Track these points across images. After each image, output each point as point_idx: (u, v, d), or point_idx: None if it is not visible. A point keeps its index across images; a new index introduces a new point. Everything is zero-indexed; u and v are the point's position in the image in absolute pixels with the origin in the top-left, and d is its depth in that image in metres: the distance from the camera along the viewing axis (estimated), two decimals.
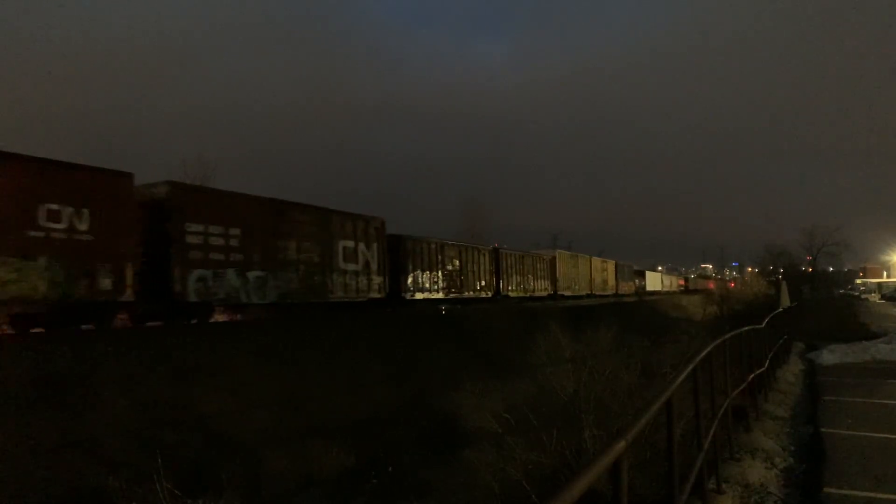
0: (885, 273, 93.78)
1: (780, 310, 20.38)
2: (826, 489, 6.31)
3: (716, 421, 6.11)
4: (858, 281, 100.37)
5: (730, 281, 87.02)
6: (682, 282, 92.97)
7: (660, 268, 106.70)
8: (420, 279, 23.51)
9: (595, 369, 9.59)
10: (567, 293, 39.36)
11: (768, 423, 9.69)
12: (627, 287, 56.66)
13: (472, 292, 27.61)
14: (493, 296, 29.22)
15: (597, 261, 48.20)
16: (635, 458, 6.89)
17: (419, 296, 23.49)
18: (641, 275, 65.55)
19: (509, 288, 30.89)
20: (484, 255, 29.16)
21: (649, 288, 66.56)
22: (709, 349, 5.86)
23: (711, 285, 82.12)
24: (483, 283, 28.52)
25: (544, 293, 35.79)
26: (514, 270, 31.80)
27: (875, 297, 76.29)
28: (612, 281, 51.20)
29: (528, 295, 33.11)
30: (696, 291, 78.76)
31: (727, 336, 7.41)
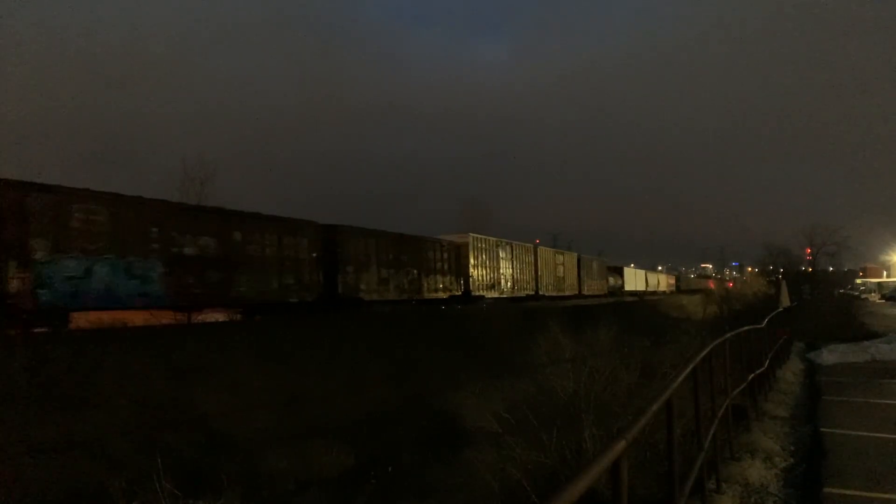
0: (885, 273, 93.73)
1: (780, 309, 20.37)
2: (826, 489, 6.31)
3: (716, 421, 6.11)
4: (858, 281, 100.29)
5: (728, 281, 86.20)
6: (671, 280, 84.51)
7: (660, 267, 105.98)
8: (91, 272, 12.60)
9: (595, 369, 9.59)
10: (490, 295, 29.86)
11: (768, 423, 9.68)
12: (597, 287, 47.28)
13: (253, 293, 16.47)
14: (319, 298, 18.89)
15: (546, 252, 38.10)
16: (635, 458, 6.89)
17: (82, 301, 12.55)
18: (618, 272, 56.79)
19: (362, 287, 20.82)
20: (297, 235, 18.27)
21: (630, 287, 57.75)
22: (709, 349, 5.86)
23: (711, 285, 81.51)
24: (290, 280, 17.76)
25: (444, 294, 26.00)
26: (373, 262, 21.52)
27: (875, 297, 76.22)
28: (572, 279, 41.70)
29: (402, 298, 23.07)
30: (692, 292, 72.10)
31: (727, 336, 7.41)
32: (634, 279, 62.09)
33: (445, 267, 26.48)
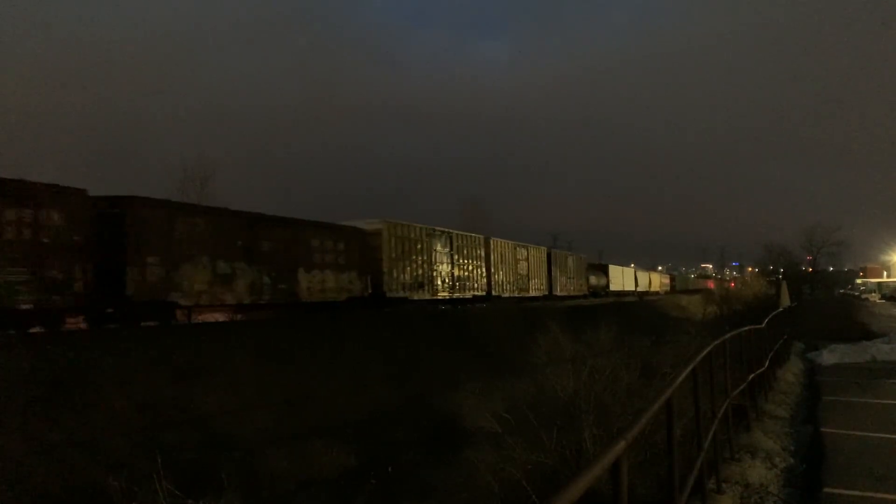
0: (885, 273, 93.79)
1: (780, 310, 20.37)
2: (826, 489, 6.31)
3: (716, 421, 6.11)
4: (858, 281, 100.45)
5: (730, 281, 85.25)
6: (664, 280, 78.62)
7: (660, 267, 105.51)
8: None
9: (595, 369, 9.59)
10: (417, 296, 24.21)
11: (768, 423, 9.68)
12: (574, 286, 42.27)
13: None
14: (87, 302, 13.17)
15: (502, 245, 31.96)
16: (635, 458, 6.89)
17: None
18: (602, 270, 52.00)
19: (178, 287, 14.67)
20: (39, 206, 12.32)
21: (616, 288, 52.95)
22: (709, 349, 5.86)
23: (711, 285, 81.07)
24: (18, 275, 11.82)
25: (339, 296, 19.94)
26: (202, 251, 15.36)
27: (875, 297, 76.30)
28: (539, 277, 36.39)
29: (260, 301, 17.02)
30: (690, 292, 68.05)
31: (727, 336, 7.41)
32: (622, 278, 56.45)
33: (342, 261, 20.16)
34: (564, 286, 40.53)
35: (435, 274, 25.78)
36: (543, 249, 38.15)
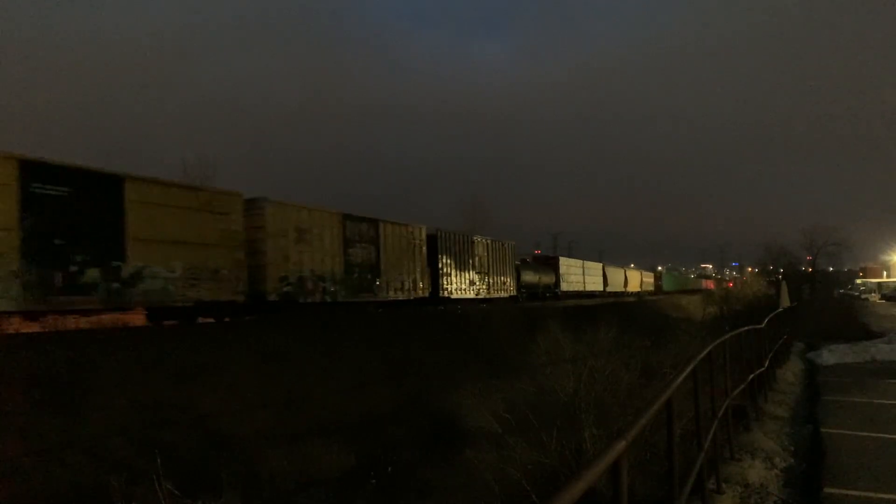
0: (885, 273, 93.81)
1: (780, 310, 20.36)
2: (826, 489, 6.31)
3: (716, 421, 6.11)
4: (858, 281, 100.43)
5: (728, 281, 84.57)
6: (647, 278, 65.97)
7: (660, 267, 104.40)
8: None
9: (595, 369, 9.60)
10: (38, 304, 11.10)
11: (768, 423, 9.68)
12: (492, 284, 29.50)
13: None
14: None
15: (309, 214, 18.72)
16: (635, 458, 6.89)
17: None
18: (549, 264, 39.82)
19: None
20: None
21: (574, 288, 41.45)
22: (709, 349, 5.87)
23: (711, 285, 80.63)
24: None
25: None
26: None
27: (875, 297, 76.27)
28: (408, 269, 23.43)
29: None
30: (688, 293, 63.27)
31: (727, 336, 7.41)
32: (582, 276, 43.73)
33: None
34: (469, 284, 27.64)
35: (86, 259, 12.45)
36: (421, 228, 24.55)
